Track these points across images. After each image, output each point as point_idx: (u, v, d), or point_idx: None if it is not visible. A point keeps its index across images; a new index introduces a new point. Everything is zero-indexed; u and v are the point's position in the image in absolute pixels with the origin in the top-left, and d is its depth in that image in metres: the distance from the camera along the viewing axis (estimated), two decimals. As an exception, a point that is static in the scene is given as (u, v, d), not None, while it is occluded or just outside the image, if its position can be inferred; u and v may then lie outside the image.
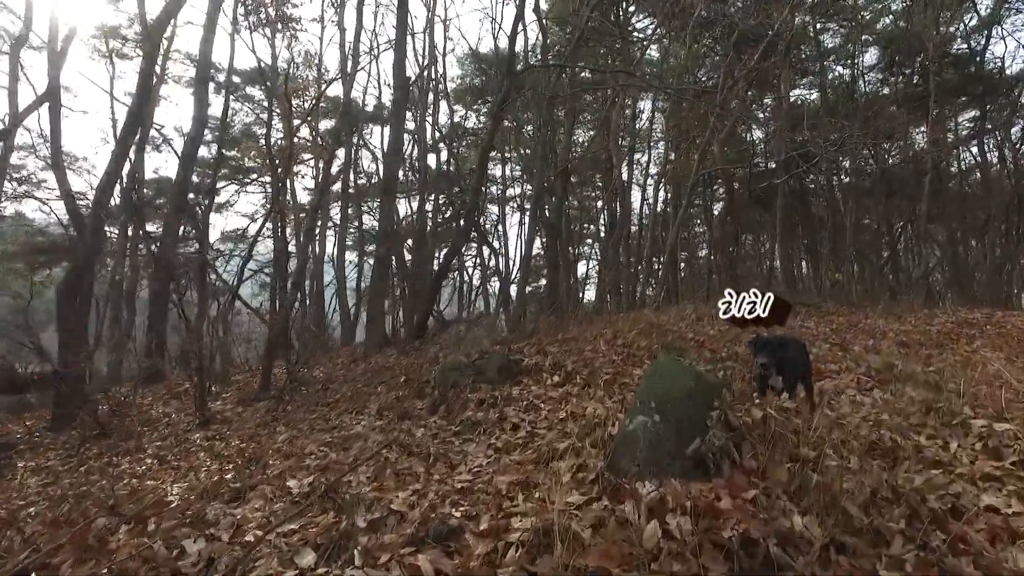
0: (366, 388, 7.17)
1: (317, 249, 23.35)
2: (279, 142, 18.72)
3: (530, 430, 4.50)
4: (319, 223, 20.45)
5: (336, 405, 6.70)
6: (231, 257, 25.20)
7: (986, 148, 22.02)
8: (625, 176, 21.56)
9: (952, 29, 20.06)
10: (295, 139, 17.75)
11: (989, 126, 21.22)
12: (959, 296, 19.34)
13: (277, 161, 14.97)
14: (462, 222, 11.36)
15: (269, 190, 23.71)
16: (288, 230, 20.88)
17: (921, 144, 20.90)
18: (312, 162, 23.67)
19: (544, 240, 22.66)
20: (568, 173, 15.49)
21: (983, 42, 19.96)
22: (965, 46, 20.34)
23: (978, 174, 22.94)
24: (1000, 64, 20.75)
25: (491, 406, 5.13)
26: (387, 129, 22.61)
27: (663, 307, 12.40)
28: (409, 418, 5.40)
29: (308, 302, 19.47)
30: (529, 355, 6.34)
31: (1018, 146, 21.18)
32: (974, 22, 20.28)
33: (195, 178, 24.76)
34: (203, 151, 23.01)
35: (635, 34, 20.35)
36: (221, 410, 7.81)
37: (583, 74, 16.97)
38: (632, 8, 20.35)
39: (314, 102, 18.23)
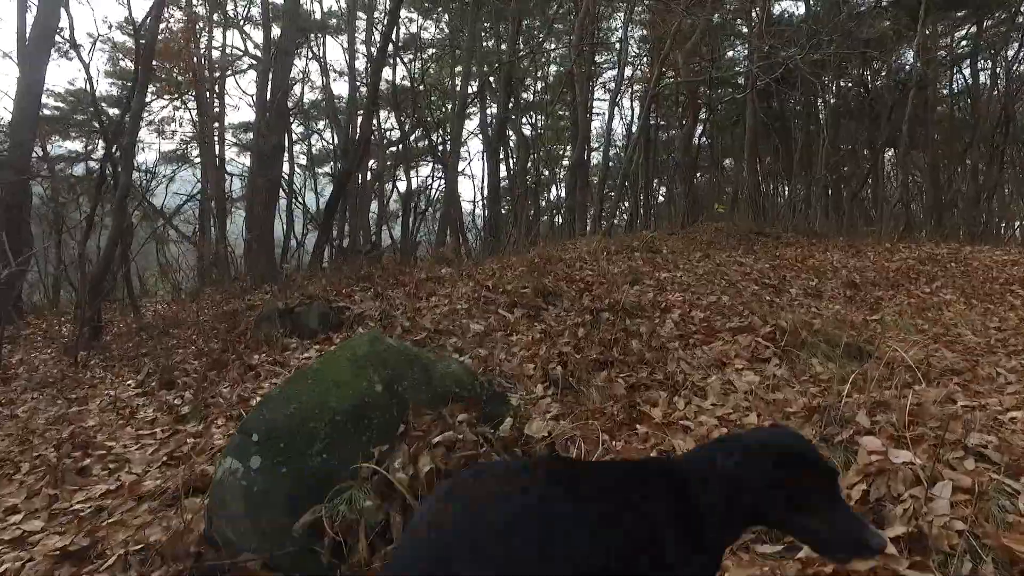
0: (194, 338, 5.86)
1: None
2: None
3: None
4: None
5: (130, 361, 5.39)
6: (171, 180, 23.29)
7: (979, 69, 20.38)
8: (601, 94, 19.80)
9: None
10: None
11: (984, 44, 19.52)
12: (937, 226, 18.28)
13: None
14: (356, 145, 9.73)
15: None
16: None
17: (911, 62, 19.20)
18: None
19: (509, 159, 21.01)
20: (510, 77, 13.67)
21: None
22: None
23: (969, 99, 21.34)
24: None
25: (271, 372, 3.85)
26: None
27: (606, 237, 11.03)
28: (170, 387, 4.11)
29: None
30: (361, 302, 5.00)
31: (1012, 65, 19.51)
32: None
33: (113, 90, 22.51)
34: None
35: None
36: (27, 360, 6.48)
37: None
38: None
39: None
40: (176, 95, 20.90)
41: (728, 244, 11.43)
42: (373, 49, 21.18)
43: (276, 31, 13.29)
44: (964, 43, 20.73)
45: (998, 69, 20.01)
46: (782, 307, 5.68)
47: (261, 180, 9.88)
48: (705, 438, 2.43)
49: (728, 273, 6.60)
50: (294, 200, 14.59)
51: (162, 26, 17.87)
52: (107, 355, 6.01)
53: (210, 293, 9.83)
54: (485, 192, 17.90)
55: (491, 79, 14.94)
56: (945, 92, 21.90)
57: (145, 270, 22.48)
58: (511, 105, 24.49)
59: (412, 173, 26.43)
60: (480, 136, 16.54)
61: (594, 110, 22.95)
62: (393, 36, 20.38)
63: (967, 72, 20.79)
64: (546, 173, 29.08)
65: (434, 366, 2.14)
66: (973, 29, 19.66)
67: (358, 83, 19.86)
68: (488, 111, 18.07)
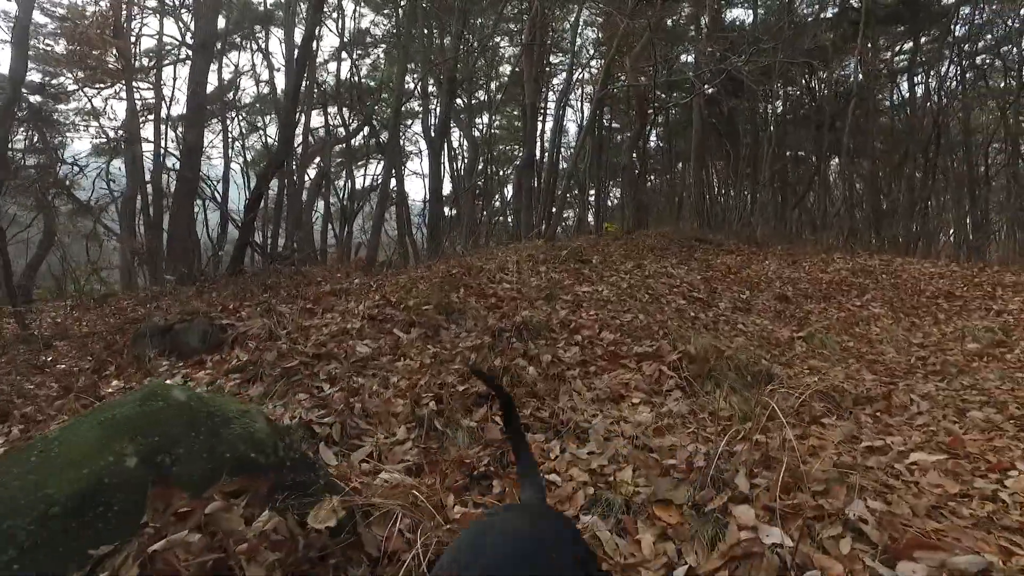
0: (72, 354, 5.29)
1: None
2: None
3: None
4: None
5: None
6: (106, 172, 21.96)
7: (915, 84, 20.95)
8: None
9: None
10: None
11: (921, 59, 20.09)
12: (876, 234, 18.68)
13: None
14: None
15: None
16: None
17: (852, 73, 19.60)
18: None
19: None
20: (453, 75, 13.26)
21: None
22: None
23: (906, 111, 21.92)
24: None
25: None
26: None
27: (547, 243, 10.75)
28: (4, 419, 3.59)
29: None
30: (248, 319, 4.55)
31: (944, 81, 20.12)
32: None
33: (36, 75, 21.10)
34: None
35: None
36: None
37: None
38: None
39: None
40: (105, 83, 19.76)
41: (670, 251, 11.31)
42: (315, 43, 20.51)
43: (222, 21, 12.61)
44: (902, 57, 21.30)
45: (932, 83, 20.59)
46: (705, 324, 5.47)
47: (180, 175, 9.25)
48: (567, 500, 2.11)
49: (655, 287, 6.36)
50: (214, 200, 13.75)
51: (90, 9, 16.87)
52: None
53: (121, 298, 9.14)
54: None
55: (432, 78, 14.52)
56: (887, 104, 22.43)
57: (76, 269, 21.28)
58: (461, 104, 24.21)
59: (361, 172, 25.78)
60: (422, 136, 16.13)
61: (549, 112, 22.74)
62: (339, 31, 19.79)
63: (905, 86, 21.38)
64: (500, 173, 28.79)
65: (227, 426, 1.75)
66: (910, 44, 20.20)
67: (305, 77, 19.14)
68: (433, 109, 17.62)
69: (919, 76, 20.82)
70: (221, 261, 9.20)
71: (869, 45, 17.64)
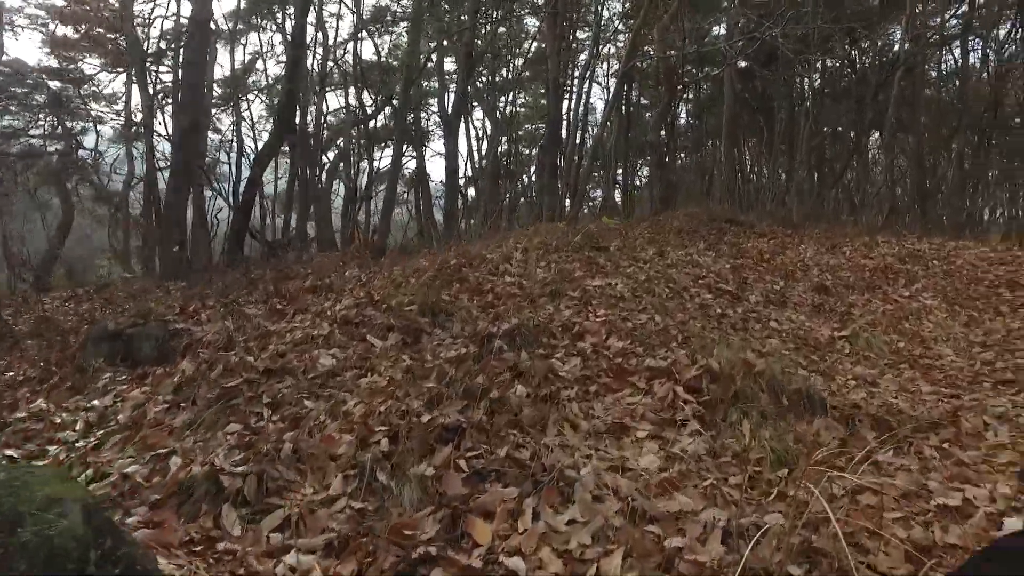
0: (34, 353, 4.87)
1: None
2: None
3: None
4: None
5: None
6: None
7: (968, 50, 19.45)
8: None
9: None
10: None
11: (976, 23, 18.59)
12: (921, 215, 17.52)
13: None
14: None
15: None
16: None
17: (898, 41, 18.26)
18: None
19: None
20: (470, 50, 12.57)
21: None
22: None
23: (957, 81, 20.45)
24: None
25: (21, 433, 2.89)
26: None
27: (563, 226, 10.08)
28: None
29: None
30: (208, 321, 4.03)
31: (1003, 47, 18.64)
32: None
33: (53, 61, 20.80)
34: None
35: None
36: None
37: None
38: None
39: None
40: (122, 67, 19.51)
41: (698, 234, 10.52)
42: (334, 21, 19.97)
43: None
44: (954, 23, 19.78)
45: (988, 51, 19.11)
46: (734, 323, 4.79)
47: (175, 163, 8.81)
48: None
49: (677, 278, 5.67)
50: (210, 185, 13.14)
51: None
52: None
53: (118, 288, 8.78)
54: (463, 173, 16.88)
55: (451, 54, 13.84)
56: (934, 74, 20.97)
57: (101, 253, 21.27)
58: (484, 82, 23.42)
59: (381, 154, 25.21)
60: (438, 115, 15.47)
61: (575, 89, 21.86)
62: (355, 7, 19.14)
63: (956, 53, 19.89)
64: (526, 153, 28.03)
65: (14, 531, 1.19)
66: (964, 9, 18.71)
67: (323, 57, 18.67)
68: (450, 87, 16.94)
69: (973, 42, 19.35)
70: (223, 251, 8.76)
71: (918, 9, 16.31)
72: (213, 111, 20.93)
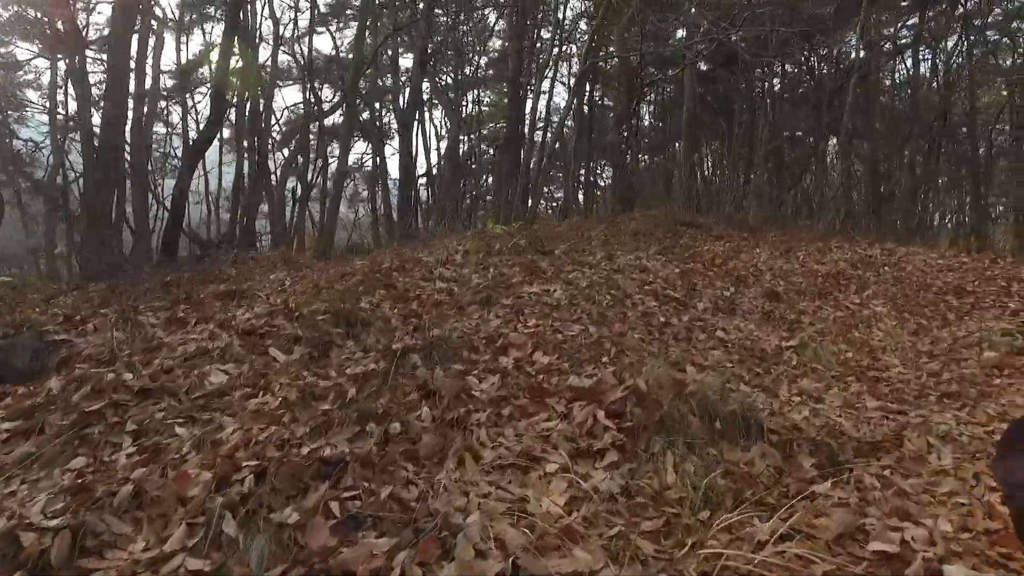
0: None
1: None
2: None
3: None
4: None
5: None
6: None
7: (919, 60, 19.89)
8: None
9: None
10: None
11: (926, 34, 18.98)
12: (876, 220, 17.77)
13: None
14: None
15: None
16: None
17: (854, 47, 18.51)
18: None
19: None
20: (425, 47, 12.19)
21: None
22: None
23: (909, 90, 20.88)
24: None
25: None
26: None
27: (517, 227, 9.81)
28: None
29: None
30: (95, 331, 3.61)
31: (951, 57, 19.08)
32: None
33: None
34: None
35: None
36: None
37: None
38: None
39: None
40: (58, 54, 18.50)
41: (654, 236, 10.36)
42: (294, 14, 19.36)
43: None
44: (906, 33, 20.20)
45: (938, 61, 19.54)
46: (676, 333, 4.54)
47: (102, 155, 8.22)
48: None
49: (623, 284, 5.42)
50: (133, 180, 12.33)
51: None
52: None
53: (32, 291, 8.16)
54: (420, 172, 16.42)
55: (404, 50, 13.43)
56: (888, 83, 21.40)
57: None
58: (449, 81, 23.00)
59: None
60: (393, 112, 15.03)
61: (535, 89, 21.58)
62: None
63: (909, 63, 20.32)
64: (490, 153, 27.67)
65: None
66: (915, 20, 19.10)
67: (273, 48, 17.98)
68: (404, 83, 16.48)
69: (924, 53, 19.76)
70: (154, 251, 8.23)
71: (873, 18, 16.54)
72: (163, 103, 20.13)
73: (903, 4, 19.07)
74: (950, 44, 18.88)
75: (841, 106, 16.47)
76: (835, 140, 20.45)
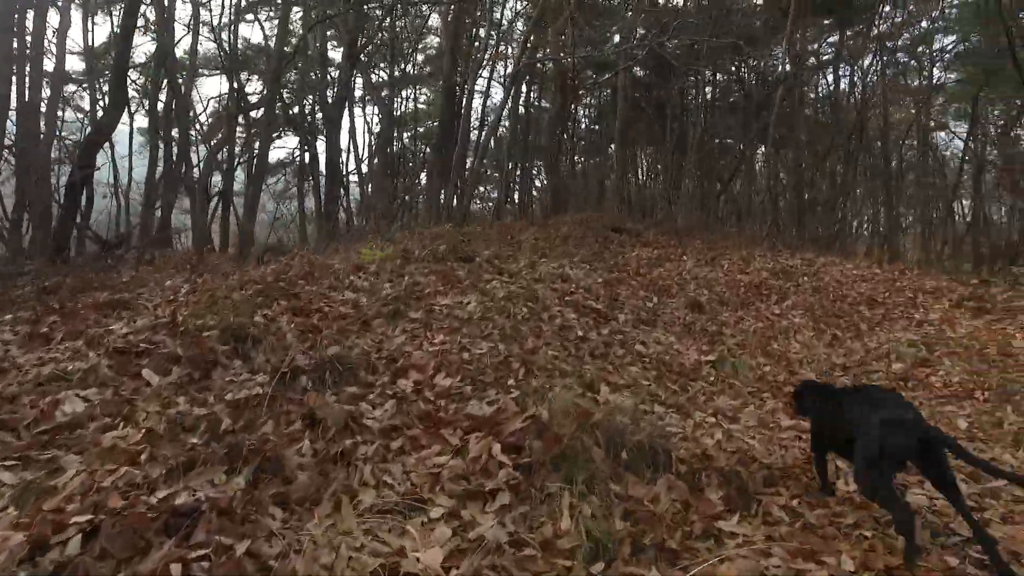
0: None
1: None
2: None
3: None
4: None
5: None
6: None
7: (840, 75, 20.85)
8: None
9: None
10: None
11: (845, 52, 19.92)
12: (798, 229, 18.45)
13: None
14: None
15: None
16: None
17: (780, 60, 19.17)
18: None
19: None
20: (354, 41, 11.73)
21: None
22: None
23: (830, 104, 21.83)
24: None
25: None
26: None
27: (448, 228, 9.59)
28: None
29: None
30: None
31: (867, 75, 20.10)
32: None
33: None
34: None
35: None
36: None
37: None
38: None
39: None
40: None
41: (584, 242, 10.33)
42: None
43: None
44: (828, 50, 21.14)
45: (855, 79, 20.55)
46: (593, 349, 4.42)
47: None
48: None
49: (543, 294, 5.27)
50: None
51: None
52: None
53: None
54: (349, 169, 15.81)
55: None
56: (812, 96, 22.32)
57: None
58: (384, 77, 22.41)
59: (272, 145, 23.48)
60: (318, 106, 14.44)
61: (478, 89, 21.30)
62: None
63: (831, 78, 21.27)
64: (426, 151, 27.18)
65: None
66: (836, 37, 20.01)
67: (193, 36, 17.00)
68: (334, 78, 15.91)
69: (844, 69, 20.71)
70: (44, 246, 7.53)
71: (798, 35, 17.20)
72: (73, 87, 18.74)
73: (825, 22, 19.93)
74: (866, 63, 19.84)
75: (768, 116, 17.02)
76: (763, 149, 21.17)
